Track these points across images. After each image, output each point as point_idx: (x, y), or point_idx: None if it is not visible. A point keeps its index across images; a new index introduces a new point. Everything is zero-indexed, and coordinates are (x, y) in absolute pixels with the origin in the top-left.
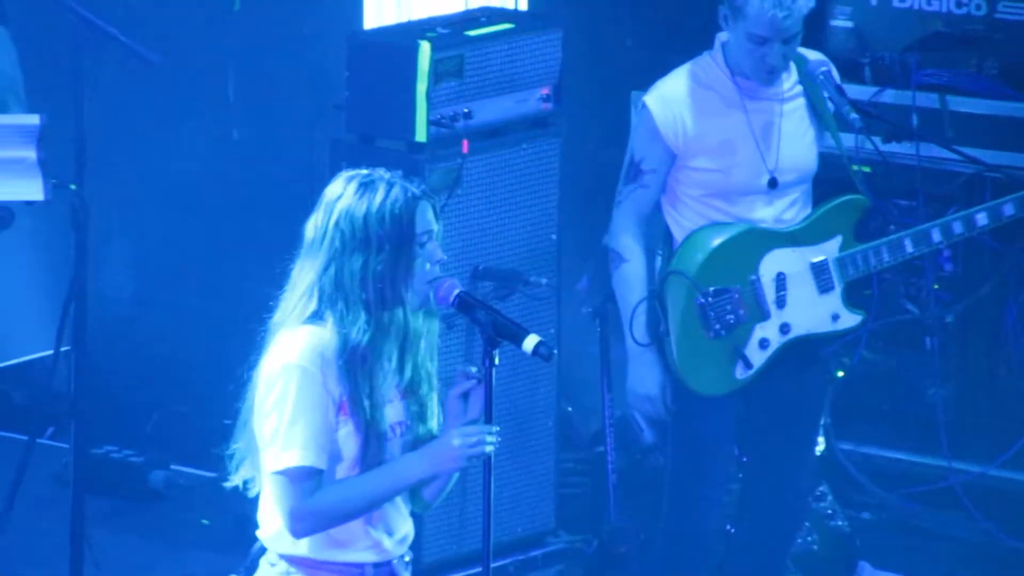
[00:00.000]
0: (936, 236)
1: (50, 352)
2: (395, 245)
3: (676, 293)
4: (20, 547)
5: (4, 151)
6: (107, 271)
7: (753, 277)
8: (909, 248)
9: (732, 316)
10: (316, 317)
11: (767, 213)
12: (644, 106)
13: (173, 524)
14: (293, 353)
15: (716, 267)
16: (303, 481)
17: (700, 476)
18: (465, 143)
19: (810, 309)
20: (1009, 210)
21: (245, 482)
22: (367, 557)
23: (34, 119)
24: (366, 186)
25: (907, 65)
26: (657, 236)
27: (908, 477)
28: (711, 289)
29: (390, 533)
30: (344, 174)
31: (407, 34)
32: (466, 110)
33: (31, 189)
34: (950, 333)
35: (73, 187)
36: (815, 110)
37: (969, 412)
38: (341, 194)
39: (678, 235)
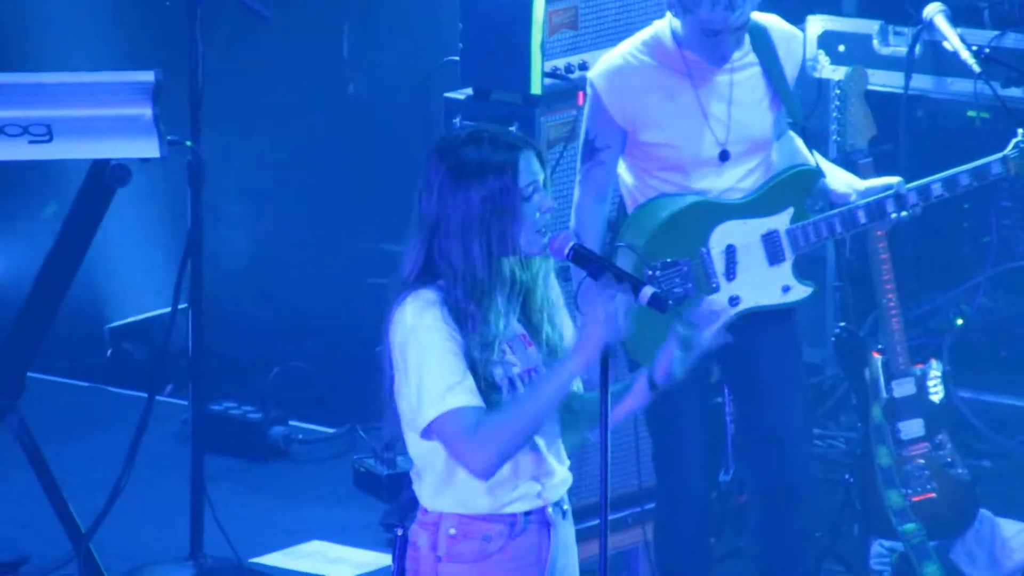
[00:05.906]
0: (890, 207)
1: (168, 310)
2: (501, 198)
3: (624, 266)
4: (141, 505)
5: (120, 109)
6: (223, 227)
7: (703, 249)
8: (862, 219)
9: (680, 289)
10: (428, 274)
11: (722, 184)
12: (591, 82)
13: (292, 480)
14: (414, 314)
15: (665, 239)
16: (464, 420)
17: (675, 442)
18: (581, 95)
19: (760, 281)
20: (997, 168)
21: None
22: (517, 507)
23: (149, 76)
24: (470, 140)
25: None
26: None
27: None
28: (659, 262)
29: (541, 480)
30: (454, 129)
31: None
32: (581, 61)
33: (147, 147)
34: None
35: (189, 144)
36: (771, 78)
37: None
38: (446, 149)
39: (632, 210)
